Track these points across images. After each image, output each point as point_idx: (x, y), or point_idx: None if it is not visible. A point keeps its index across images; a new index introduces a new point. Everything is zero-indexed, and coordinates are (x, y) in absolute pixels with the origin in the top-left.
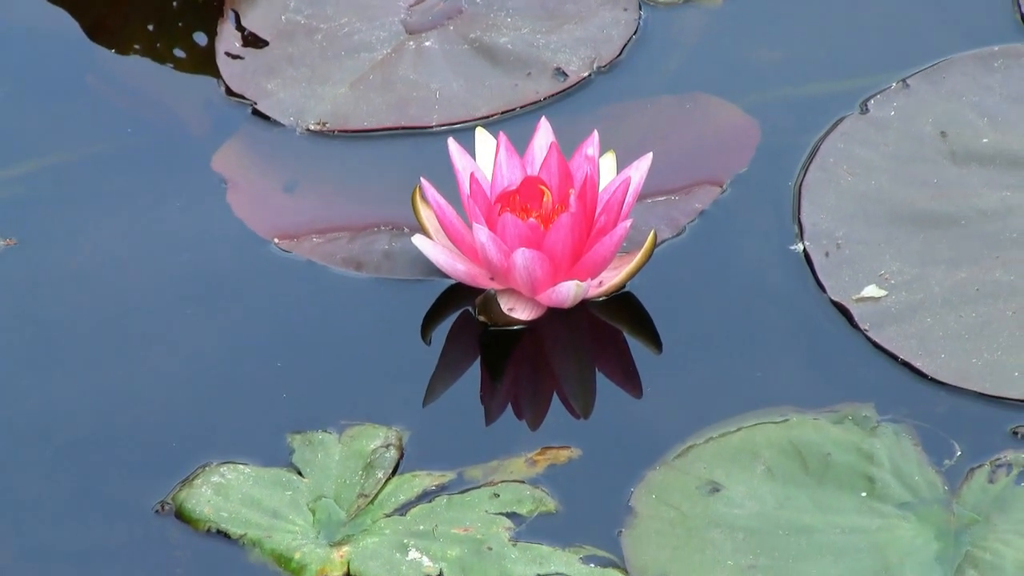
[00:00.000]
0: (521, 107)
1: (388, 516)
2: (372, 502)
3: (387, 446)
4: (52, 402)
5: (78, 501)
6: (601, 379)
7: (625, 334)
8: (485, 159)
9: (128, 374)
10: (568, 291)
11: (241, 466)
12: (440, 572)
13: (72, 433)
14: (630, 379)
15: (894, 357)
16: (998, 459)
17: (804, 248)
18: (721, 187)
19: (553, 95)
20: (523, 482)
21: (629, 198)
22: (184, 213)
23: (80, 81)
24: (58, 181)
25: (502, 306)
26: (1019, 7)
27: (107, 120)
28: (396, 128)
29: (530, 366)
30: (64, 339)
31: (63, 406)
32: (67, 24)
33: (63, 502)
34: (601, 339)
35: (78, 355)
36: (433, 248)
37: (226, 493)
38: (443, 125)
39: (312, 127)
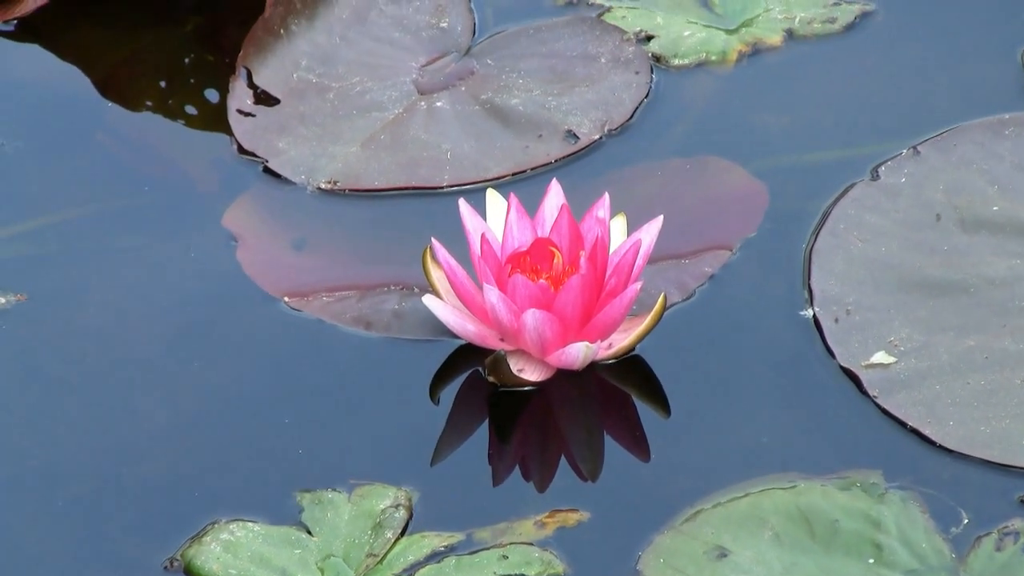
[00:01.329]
0: (532, 169)
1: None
2: (381, 562)
3: (396, 506)
4: (58, 458)
5: (85, 558)
6: (609, 442)
7: (634, 397)
8: (496, 220)
9: (135, 430)
10: (578, 353)
11: (250, 524)
12: None
13: (79, 489)
14: (638, 442)
15: (902, 424)
16: (1005, 527)
17: (814, 314)
18: (731, 251)
19: (564, 157)
20: (532, 544)
21: (639, 261)
22: (193, 270)
23: (90, 137)
24: (67, 237)
25: (511, 367)
26: None
27: (117, 177)
28: (407, 188)
29: (539, 428)
30: (71, 395)
31: (69, 462)
32: (78, 79)
33: (70, 559)
34: (610, 402)
35: (85, 411)
36: (443, 308)
37: (235, 550)
38: (454, 186)
39: (323, 186)
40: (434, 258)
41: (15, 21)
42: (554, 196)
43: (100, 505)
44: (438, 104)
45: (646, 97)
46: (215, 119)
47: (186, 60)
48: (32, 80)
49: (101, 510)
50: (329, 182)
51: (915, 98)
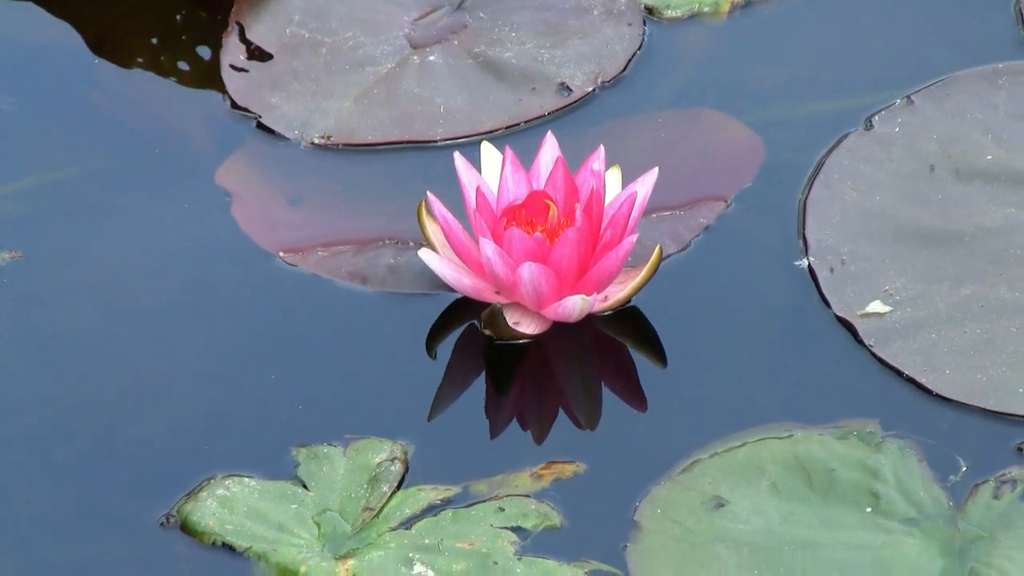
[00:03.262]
0: (526, 122)
1: (393, 530)
2: (377, 516)
3: (392, 460)
4: (53, 415)
5: (82, 515)
6: (606, 393)
7: (630, 349)
8: (491, 173)
9: (131, 387)
10: (574, 305)
11: (246, 479)
12: None
13: (74, 446)
14: (635, 394)
15: (899, 373)
16: (1003, 475)
17: (809, 264)
18: (726, 202)
19: (558, 110)
20: (528, 496)
21: (635, 213)
22: (188, 227)
23: (84, 95)
24: (62, 195)
25: (507, 320)
26: (1022, 23)
27: (111, 135)
28: (401, 142)
29: (535, 380)
30: (67, 352)
31: (64, 419)
32: (71, 37)
33: (66, 516)
34: (606, 353)
35: (80, 368)
36: (439, 262)
37: (231, 506)
38: (448, 139)
39: (317, 141)
40: (429, 212)
41: None
42: (549, 149)
43: (96, 462)
44: (431, 58)
45: (639, 49)
46: (208, 76)
47: (178, 17)
48: (25, 38)
49: (97, 467)
50: (323, 137)
51: (909, 48)
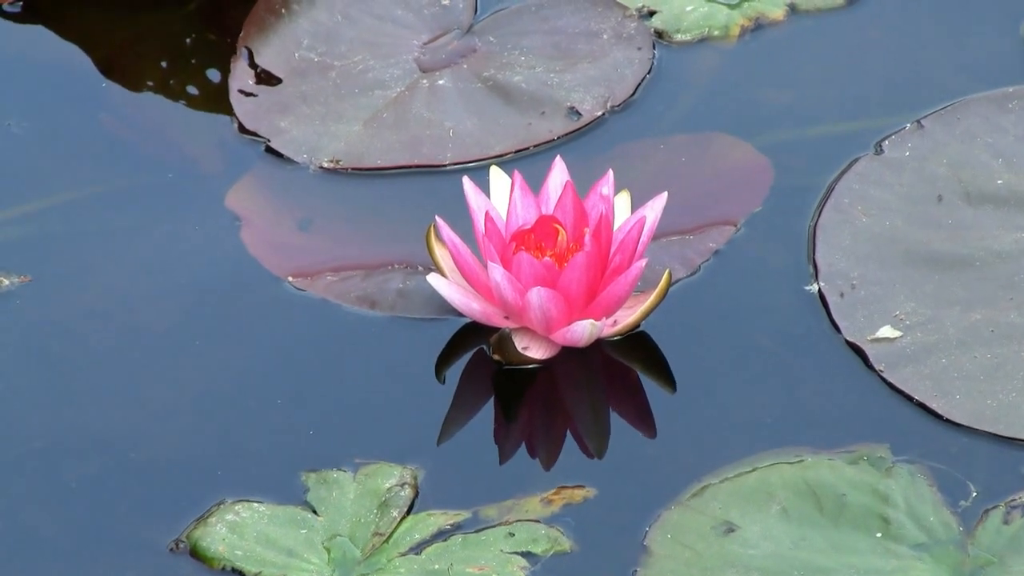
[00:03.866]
0: (535, 146)
1: (403, 555)
2: (387, 541)
3: (402, 485)
4: (64, 439)
5: (91, 540)
6: (615, 418)
7: (639, 373)
8: (500, 198)
9: (141, 411)
10: (583, 330)
11: (256, 504)
12: None
13: (84, 470)
14: (644, 419)
15: (909, 398)
16: (1013, 500)
17: (819, 288)
18: (735, 227)
19: (567, 134)
20: (538, 521)
21: (644, 237)
22: (197, 251)
23: (93, 118)
24: (71, 218)
25: (516, 345)
26: None
27: (120, 158)
28: (410, 166)
29: (544, 405)
30: (76, 375)
31: (75, 443)
32: (81, 60)
33: (76, 540)
34: (615, 378)
35: (90, 391)
36: (448, 287)
37: (241, 531)
38: (457, 164)
39: (326, 165)
40: (438, 236)
41: (20, 3)
42: (558, 173)
43: (105, 486)
44: (440, 82)
45: (649, 73)
46: (217, 99)
47: (187, 40)
48: (36, 61)
49: (107, 491)
50: (332, 161)
51: (918, 72)
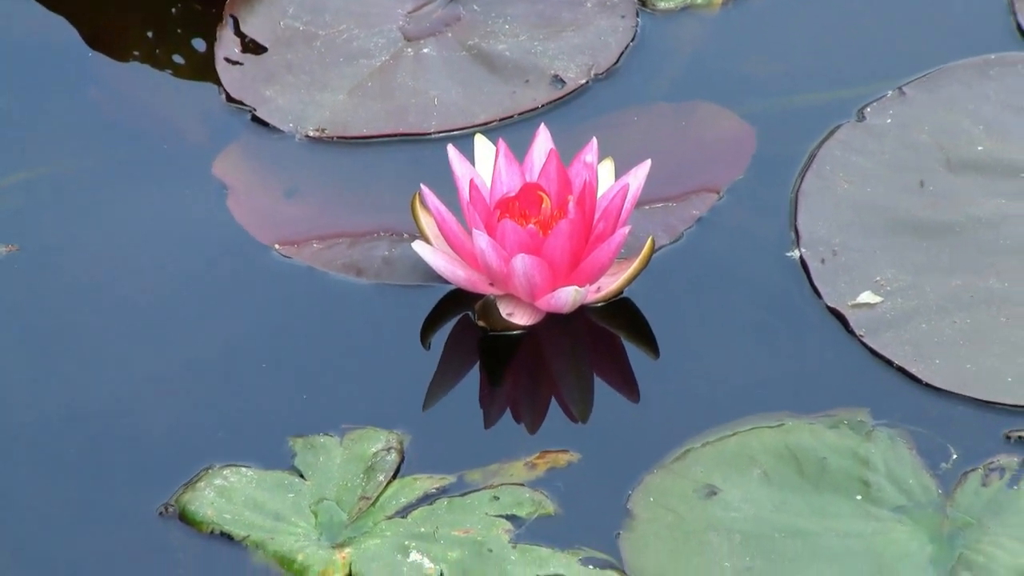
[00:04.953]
0: (519, 114)
1: (389, 518)
2: (373, 505)
3: (388, 449)
4: (52, 407)
5: (80, 506)
6: (599, 384)
7: (623, 339)
8: (484, 166)
9: (129, 379)
10: (567, 297)
11: (244, 469)
12: (441, 574)
13: (73, 438)
14: (628, 384)
15: (889, 363)
16: (991, 463)
17: (800, 255)
18: (718, 194)
19: (551, 102)
20: (523, 485)
21: (627, 205)
22: (184, 220)
23: (80, 90)
24: (58, 189)
25: (501, 311)
26: (1015, 16)
27: (107, 128)
28: (395, 135)
29: (529, 371)
30: (65, 344)
31: (63, 411)
32: (67, 32)
33: (66, 507)
34: (599, 344)
35: (79, 360)
36: (433, 254)
37: (229, 496)
38: (442, 132)
39: (311, 134)
40: (423, 204)
41: None
42: (542, 141)
43: (94, 453)
44: (425, 51)
45: (632, 41)
46: (203, 69)
47: (173, 10)
48: (21, 34)
49: (96, 458)
50: (317, 130)
51: (900, 39)
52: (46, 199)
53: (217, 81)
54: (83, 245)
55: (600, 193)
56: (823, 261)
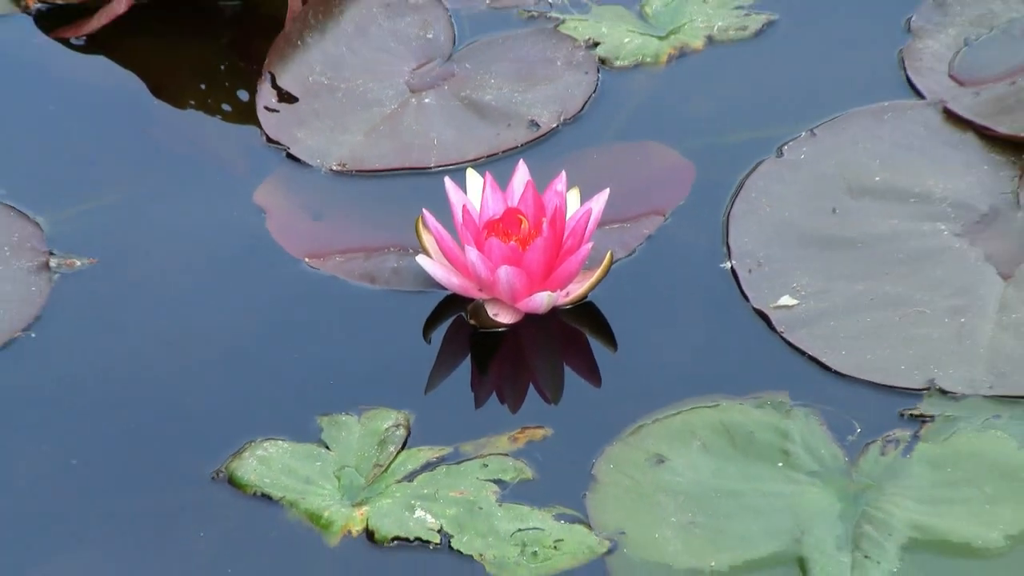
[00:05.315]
0: (503, 152)
1: (398, 482)
2: (385, 471)
3: (397, 426)
4: (123, 388)
5: (147, 471)
6: (568, 372)
7: (587, 335)
8: (474, 194)
9: (184, 367)
10: (542, 300)
11: (280, 442)
12: (440, 527)
13: (142, 415)
14: (591, 372)
15: (804, 354)
16: (888, 436)
17: (731, 266)
18: (664, 216)
19: (528, 142)
20: (507, 455)
21: (590, 225)
22: (231, 238)
23: (143, 130)
24: (127, 212)
25: (488, 312)
26: (904, 70)
27: (167, 163)
28: (402, 169)
29: (511, 361)
30: (135, 339)
31: (133, 394)
32: (135, 83)
33: (134, 473)
34: (568, 339)
35: (145, 351)
36: (433, 265)
37: (268, 464)
38: (440, 166)
39: (334, 168)
40: (425, 225)
41: (84, 37)
42: (521, 174)
43: (157, 428)
44: (426, 100)
45: (594, 92)
46: (246, 114)
47: (222, 67)
48: (97, 84)
49: (158, 432)
50: (339, 165)
51: (812, 89)
52: (120, 219)
53: (258, 124)
54: (148, 256)
55: (568, 216)
56: (750, 271)
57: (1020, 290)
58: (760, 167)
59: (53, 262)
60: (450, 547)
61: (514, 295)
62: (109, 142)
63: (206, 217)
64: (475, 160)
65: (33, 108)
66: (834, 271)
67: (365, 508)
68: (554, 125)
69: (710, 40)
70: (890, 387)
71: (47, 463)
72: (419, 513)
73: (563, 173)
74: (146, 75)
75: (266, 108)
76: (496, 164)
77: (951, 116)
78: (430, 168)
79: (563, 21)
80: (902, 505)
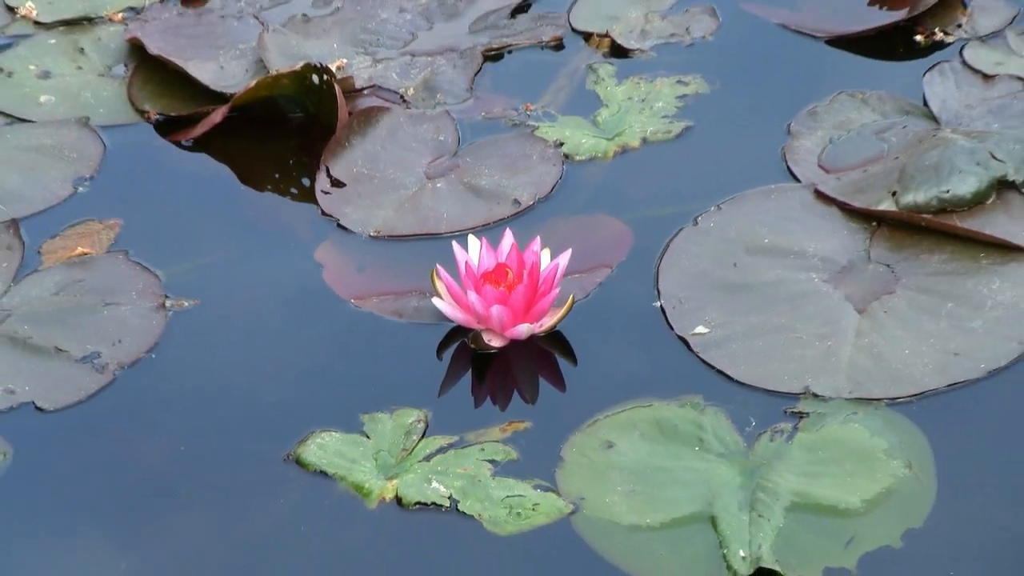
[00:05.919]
0: (494, 222)
1: (419, 462)
2: (409, 454)
3: (418, 421)
4: (221, 394)
5: (233, 456)
6: (542, 381)
7: (556, 355)
8: (473, 253)
9: (265, 377)
10: (523, 330)
11: (334, 433)
12: (450, 495)
13: (233, 413)
14: (559, 381)
15: (714, 368)
16: (776, 427)
17: (660, 304)
18: (611, 269)
19: (513, 215)
20: (498, 442)
21: (558, 276)
22: (296, 285)
23: (236, 208)
24: (223, 266)
25: (484, 339)
26: (785, 161)
27: (252, 230)
28: (421, 234)
29: (501, 374)
30: (228, 358)
31: (227, 397)
32: (227, 173)
33: (229, 456)
34: (542, 358)
35: (235, 366)
36: (443, 305)
37: (325, 448)
38: (448, 232)
39: (372, 234)
40: (438, 276)
41: (191, 140)
42: (507, 239)
43: (244, 422)
44: (438, 185)
45: (560, 179)
46: (308, 196)
47: (290, 161)
48: (201, 173)
49: (245, 425)
50: (376, 231)
51: (718, 176)
52: (217, 271)
53: (316, 203)
54: (237, 298)
55: (542, 269)
56: (674, 307)
57: (870, 321)
58: (681, 233)
59: (168, 303)
60: (457, 509)
61: (503, 326)
62: (210, 215)
63: (279, 270)
64: (474, 228)
65: (155, 192)
66: (735, 308)
67: (395, 481)
68: (531, 203)
69: (644, 140)
70: (777, 392)
71: (164, 449)
72: (434, 484)
73: (538, 238)
74: (236, 167)
75: (322, 191)
76: (489, 231)
77: (820, 195)
78: (441, 234)
79: (537, 127)
80: (785, 478)
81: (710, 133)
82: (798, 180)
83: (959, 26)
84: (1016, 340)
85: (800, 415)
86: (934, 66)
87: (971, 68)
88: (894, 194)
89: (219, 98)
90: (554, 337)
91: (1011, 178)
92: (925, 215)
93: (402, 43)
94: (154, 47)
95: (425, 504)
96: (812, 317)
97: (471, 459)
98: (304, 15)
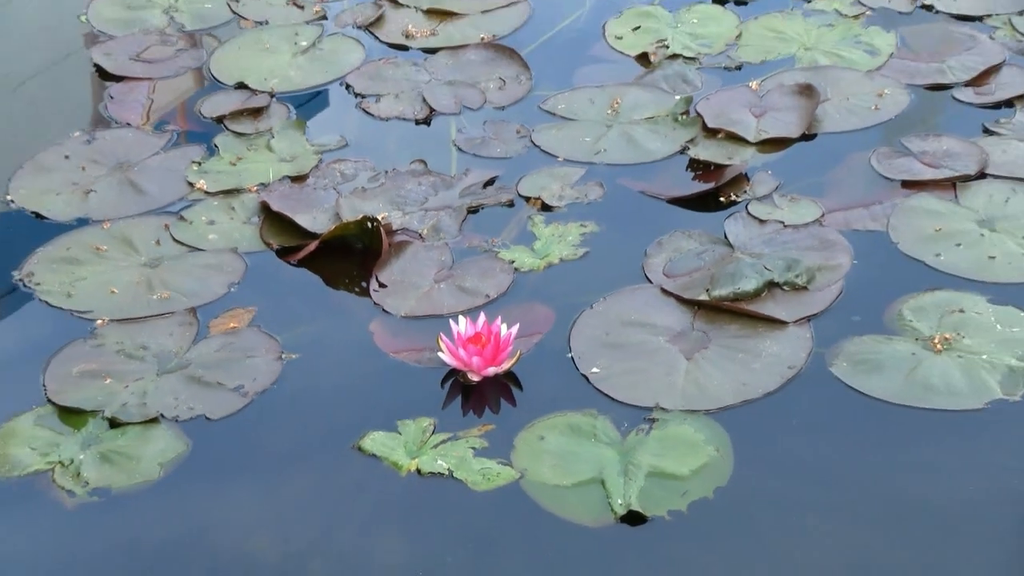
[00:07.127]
0: (473, 308)
1: (431, 449)
2: (424, 443)
3: (430, 425)
4: (312, 409)
5: (322, 445)
6: (503, 400)
7: (511, 385)
8: (462, 327)
9: (337, 396)
10: (491, 371)
11: (378, 433)
12: (449, 468)
13: (318, 421)
14: (512, 400)
15: (603, 392)
16: (639, 428)
17: (572, 356)
18: (542, 335)
19: (484, 303)
20: (477, 436)
21: (511, 340)
22: (355, 349)
23: (323, 300)
24: (314, 335)
25: (468, 376)
26: (644, 270)
27: (325, 312)
28: (432, 315)
29: (479, 396)
30: (316, 385)
31: (316, 410)
32: (313, 279)
33: (316, 446)
34: (503, 385)
35: (320, 392)
36: (446, 356)
37: (375, 441)
38: (448, 313)
39: (403, 315)
40: (441, 339)
41: (297, 261)
42: (481, 318)
43: (325, 425)
44: (441, 287)
45: (512, 283)
46: (365, 293)
47: (354, 272)
48: (301, 280)
49: (325, 427)
50: (405, 314)
51: (605, 280)
52: (309, 337)
53: (370, 296)
54: (323, 352)
55: (502, 336)
56: (579, 358)
57: (694, 365)
58: (583, 314)
59: (283, 356)
60: (453, 476)
61: (479, 369)
62: (307, 304)
63: (345, 336)
64: (462, 311)
65: (276, 291)
66: (615, 357)
67: (416, 460)
68: (495, 297)
69: (561, 259)
70: (640, 406)
71: (284, 439)
72: (439, 462)
73: (499, 318)
74: (323, 277)
75: (373, 290)
76: (471, 313)
77: (664, 291)
78: (443, 315)
79: (499, 252)
80: (645, 457)
81: (600, 255)
82: (651, 282)
83: (745, 192)
84: (779, 375)
85: (653, 420)
86: (731, 215)
87: (753, 216)
88: (708, 290)
89: (313, 236)
90: (509, 375)
91: (776, 280)
92: (725, 302)
93: (420, 203)
94: (275, 206)
95: (434, 473)
96: (660, 363)
97: (461, 447)
98: (363, 187)
